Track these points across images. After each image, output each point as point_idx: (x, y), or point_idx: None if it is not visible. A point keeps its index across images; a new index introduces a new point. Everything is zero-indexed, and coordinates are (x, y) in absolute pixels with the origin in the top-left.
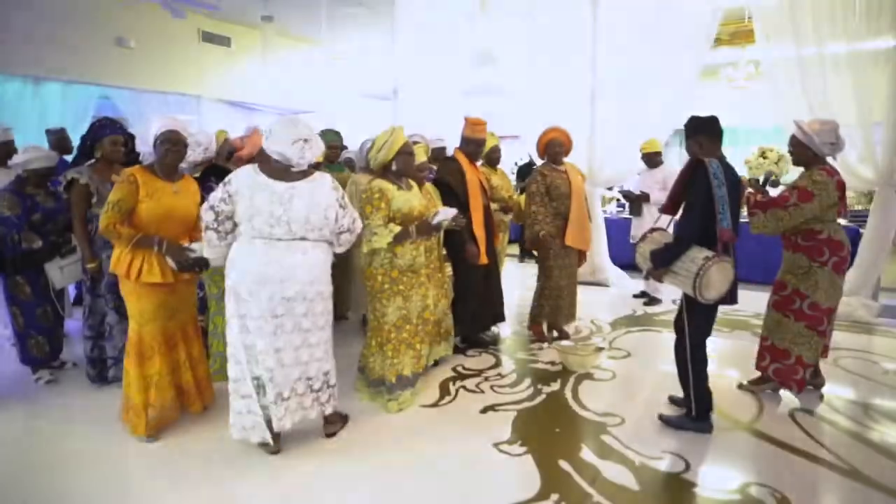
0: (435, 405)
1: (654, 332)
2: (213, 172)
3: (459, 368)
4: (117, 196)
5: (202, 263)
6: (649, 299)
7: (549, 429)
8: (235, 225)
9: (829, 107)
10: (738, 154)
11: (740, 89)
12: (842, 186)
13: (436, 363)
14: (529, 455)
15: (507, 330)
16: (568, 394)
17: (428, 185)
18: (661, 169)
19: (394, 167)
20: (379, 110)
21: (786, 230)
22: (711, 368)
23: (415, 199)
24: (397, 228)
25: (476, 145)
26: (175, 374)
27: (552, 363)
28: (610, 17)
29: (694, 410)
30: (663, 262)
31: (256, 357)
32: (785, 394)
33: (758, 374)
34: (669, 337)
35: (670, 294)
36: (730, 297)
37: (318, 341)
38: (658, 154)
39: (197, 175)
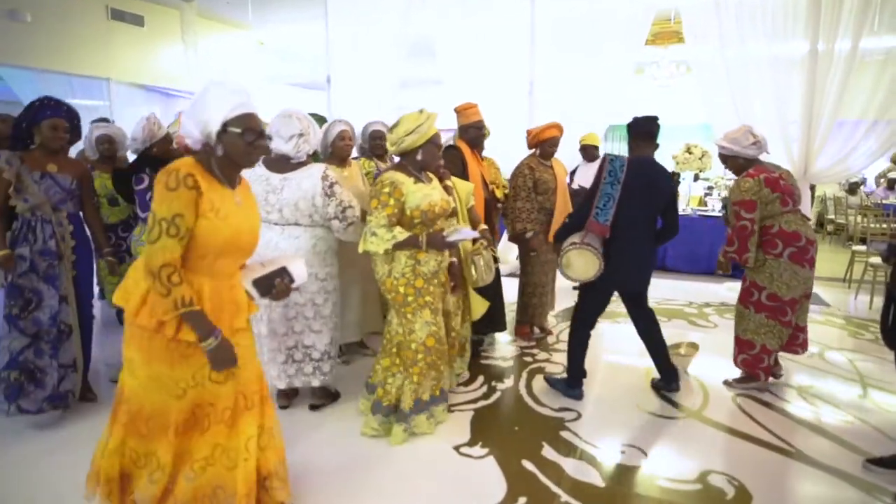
0: None
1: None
2: (146, 163)
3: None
4: (172, 208)
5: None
6: None
7: (507, 428)
8: None
9: (751, 105)
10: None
11: (664, 87)
12: (772, 181)
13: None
14: (492, 456)
15: None
16: (522, 390)
17: (455, 180)
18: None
19: (419, 157)
20: (310, 100)
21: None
22: (649, 361)
23: (436, 193)
24: (403, 234)
25: (476, 129)
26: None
27: (503, 358)
28: (547, 11)
29: (568, 376)
30: (557, 237)
31: (258, 330)
32: (722, 380)
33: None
34: (612, 328)
35: None
36: (629, 282)
37: (315, 315)
38: (596, 148)
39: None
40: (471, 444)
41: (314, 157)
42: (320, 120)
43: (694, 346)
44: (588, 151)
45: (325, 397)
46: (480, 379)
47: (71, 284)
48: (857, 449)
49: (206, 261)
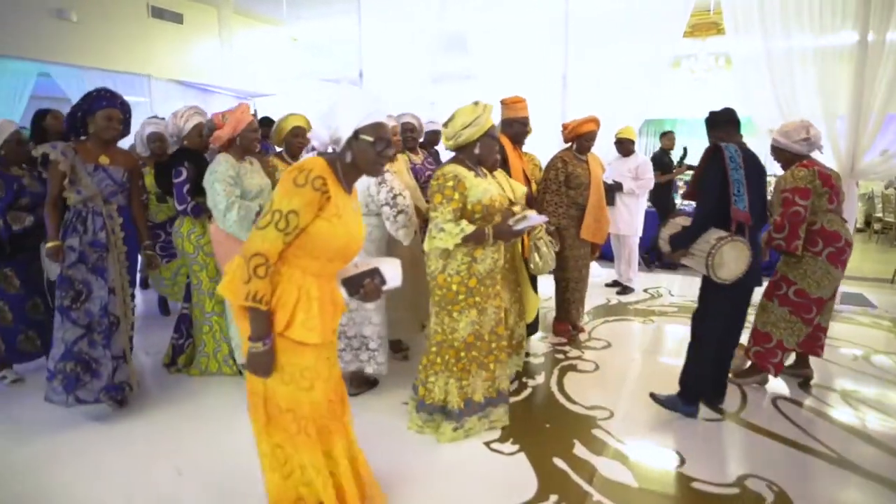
0: None
1: (628, 321)
2: (185, 156)
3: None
4: (291, 203)
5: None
6: (622, 288)
7: (538, 424)
8: None
9: (796, 100)
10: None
11: (701, 81)
12: (824, 176)
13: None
14: (523, 453)
15: None
16: (554, 387)
17: (500, 172)
18: (634, 158)
19: (476, 150)
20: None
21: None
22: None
23: (493, 187)
24: (470, 227)
25: (521, 125)
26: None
27: (534, 355)
28: (581, 3)
29: (686, 391)
30: (681, 243)
31: None
32: (770, 383)
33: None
34: (644, 327)
35: (642, 283)
36: (753, 278)
37: (376, 307)
38: (632, 142)
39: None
40: (502, 440)
41: None
42: None
43: (740, 348)
44: (624, 146)
45: (363, 385)
46: (512, 375)
47: (118, 276)
48: None
49: (318, 262)
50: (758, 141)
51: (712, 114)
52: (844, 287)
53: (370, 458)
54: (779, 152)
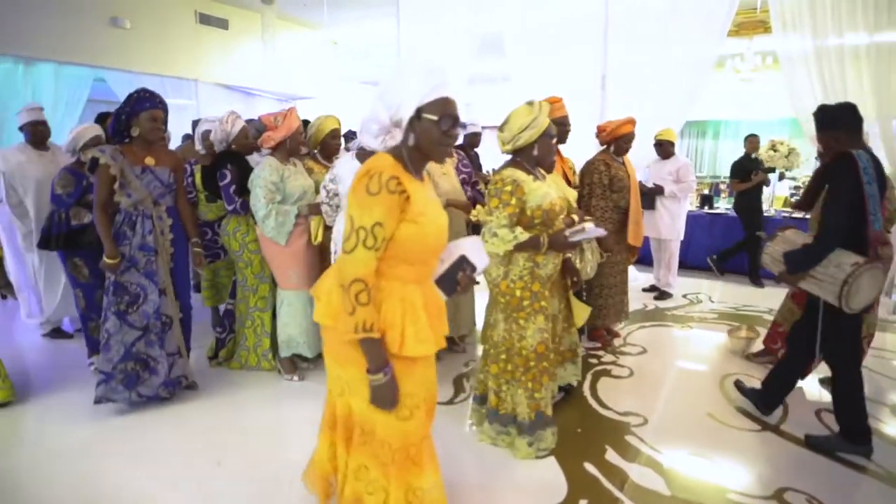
0: (450, 402)
1: (666, 327)
2: (227, 159)
3: (473, 364)
4: (373, 216)
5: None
6: (659, 293)
7: (570, 429)
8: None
9: (848, 100)
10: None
11: (747, 81)
12: None
13: (565, 390)
14: (553, 457)
15: None
16: (587, 392)
17: (553, 175)
18: (675, 160)
19: (535, 152)
20: None
21: None
22: (731, 367)
23: (553, 191)
24: (524, 235)
25: (561, 125)
26: None
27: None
28: (621, 2)
29: (848, 430)
30: (803, 264)
31: None
32: (809, 392)
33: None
34: (681, 333)
35: (681, 289)
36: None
37: None
38: (672, 144)
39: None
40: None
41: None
42: None
43: (753, 331)
44: (664, 148)
45: None
46: None
47: (168, 277)
48: None
49: (414, 267)
50: (804, 143)
51: (826, 109)
52: None
53: None
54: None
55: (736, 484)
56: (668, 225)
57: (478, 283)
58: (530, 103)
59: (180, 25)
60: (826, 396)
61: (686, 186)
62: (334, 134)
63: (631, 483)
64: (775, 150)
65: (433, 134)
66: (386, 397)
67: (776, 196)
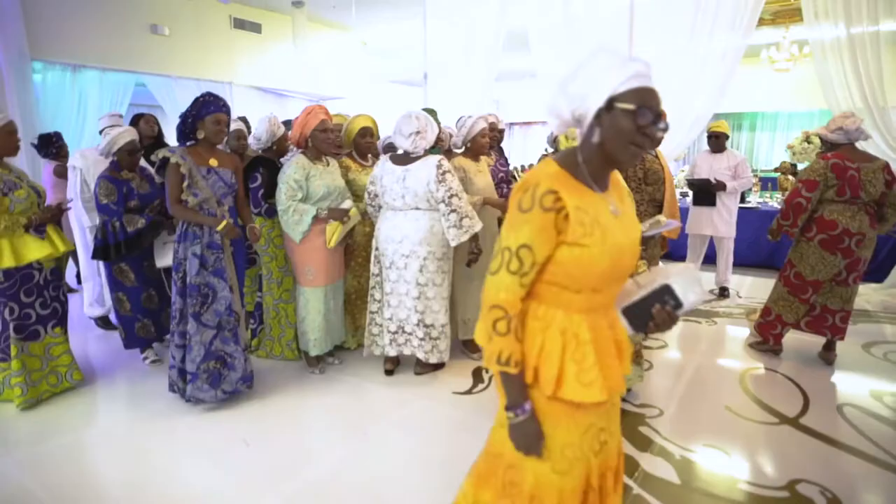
0: (468, 392)
1: (690, 321)
2: (260, 163)
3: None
4: (519, 237)
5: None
6: (721, 290)
7: None
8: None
9: (883, 89)
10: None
11: (783, 72)
12: (840, 168)
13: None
14: None
15: None
16: None
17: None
18: (730, 155)
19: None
20: (409, 96)
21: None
22: (753, 362)
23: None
24: None
25: None
26: None
27: None
28: None
29: None
30: None
31: (385, 299)
32: (832, 387)
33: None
34: (706, 328)
35: (709, 284)
36: None
37: (435, 296)
38: (727, 137)
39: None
40: None
41: (433, 150)
42: (432, 113)
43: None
44: (719, 141)
45: (428, 367)
46: None
47: (234, 274)
48: None
49: (582, 295)
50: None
51: None
52: None
53: (418, 441)
54: (823, 141)
55: (748, 475)
56: (727, 222)
57: (677, 320)
58: None
59: (216, 30)
60: (848, 392)
61: (745, 182)
62: (364, 133)
63: (641, 471)
64: (809, 143)
65: (625, 128)
66: (520, 440)
67: None
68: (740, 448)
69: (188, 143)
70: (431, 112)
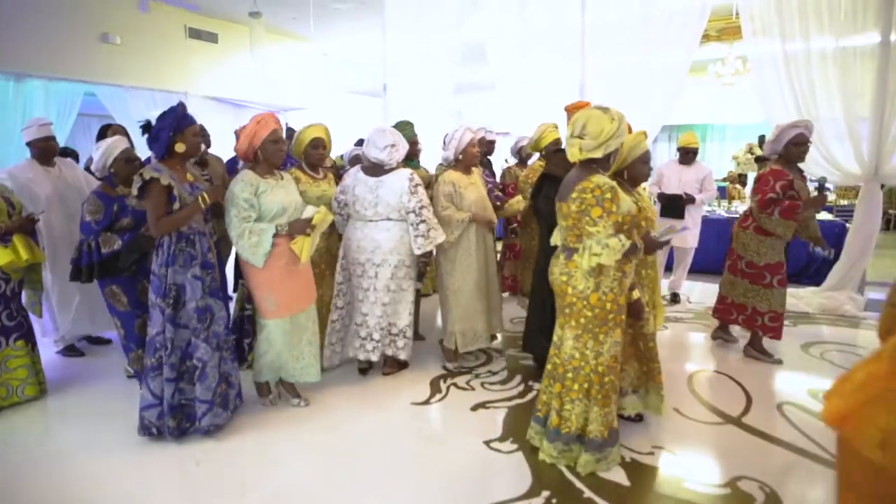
0: (426, 403)
1: None
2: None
3: (451, 367)
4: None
5: None
6: (672, 296)
7: None
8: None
9: (816, 103)
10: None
11: (728, 86)
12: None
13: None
14: (520, 452)
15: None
16: None
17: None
18: (698, 168)
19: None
20: (369, 107)
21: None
22: (694, 366)
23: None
24: (627, 242)
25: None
26: None
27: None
28: (599, 12)
29: None
30: None
31: (356, 306)
32: (775, 388)
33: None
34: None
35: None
36: None
37: (401, 300)
38: (696, 151)
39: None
40: (501, 439)
41: (412, 163)
42: (407, 126)
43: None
44: (689, 155)
45: (395, 366)
46: (518, 378)
47: (222, 291)
48: None
49: None
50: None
51: None
52: (872, 294)
53: (374, 448)
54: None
55: (694, 474)
56: (692, 234)
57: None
58: (604, 109)
59: (170, 40)
60: (787, 391)
61: (712, 194)
62: (315, 143)
63: (593, 475)
64: (752, 153)
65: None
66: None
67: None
68: (686, 449)
69: (161, 159)
70: (407, 124)
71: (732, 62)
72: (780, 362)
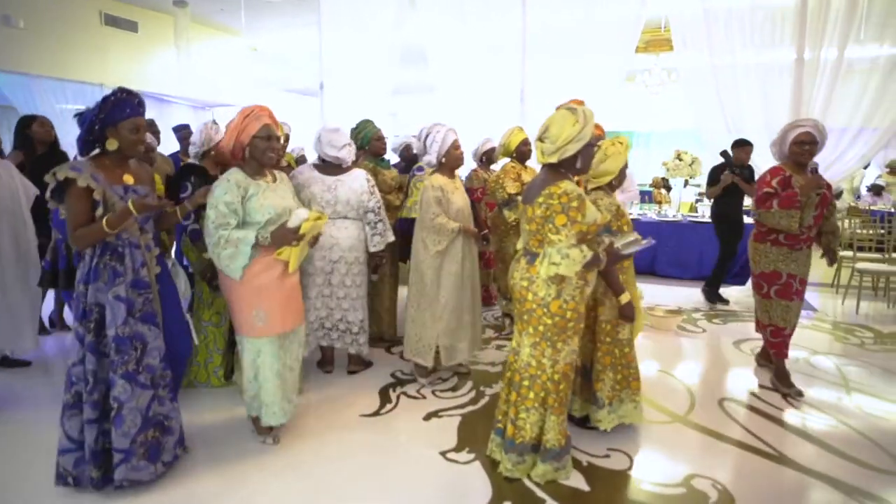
0: (376, 414)
1: None
2: (191, 172)
3: (398, 374)
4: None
5: None
6: None
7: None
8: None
9: (741, 114)
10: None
11: (655, 94)
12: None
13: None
14: (478, 461)
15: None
16: None
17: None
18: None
19: (579, 164)
20: (304, 106)
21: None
22: (651, 366)
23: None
24: (589, 253)
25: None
26: None
27: (491, 364)
28: (538, 19)
29: None
30: None
31: (313, 303)
32: (713, 384)
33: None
34: None
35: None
36: None
37: (358, 296)
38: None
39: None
40: (457, 449)
41: (378, 161)
42: (368, 123)
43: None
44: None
45: (360, 364)
46: (469, 384)
47: (160, 317)
48: (842, 453)
49: None
50: (710, 155)
51: None
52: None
53: (329, 467)
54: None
55: (650, 475)
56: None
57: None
58: (573, 110)
59: (83, 26)
60: (725, 387)
61: (632, 195)
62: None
63: (553, 482)
64: (680, 160)
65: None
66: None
67: (682, 202)
68: (641, 449)
69: (91, 155)
70: (368, 123)
71: (658, 73)
72: (800, 394)
